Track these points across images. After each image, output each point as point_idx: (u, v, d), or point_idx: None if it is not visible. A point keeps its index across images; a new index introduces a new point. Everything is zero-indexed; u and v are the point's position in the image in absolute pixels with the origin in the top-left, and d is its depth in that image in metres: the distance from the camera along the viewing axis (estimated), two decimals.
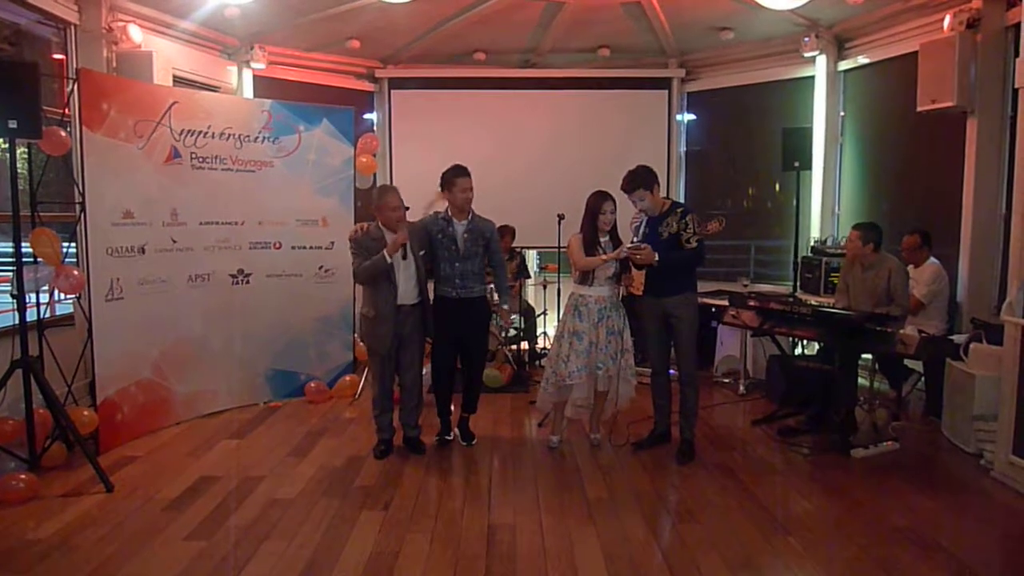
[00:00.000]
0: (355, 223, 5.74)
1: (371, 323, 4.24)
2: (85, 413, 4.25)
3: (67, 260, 4.29)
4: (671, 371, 4.41)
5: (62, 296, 4.65)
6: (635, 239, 4.14)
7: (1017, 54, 3.99)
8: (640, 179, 4.11)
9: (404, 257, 4.19)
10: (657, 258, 4.03)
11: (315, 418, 5.11)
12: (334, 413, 5.24)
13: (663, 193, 7.05)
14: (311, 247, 5.47)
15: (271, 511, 3.55)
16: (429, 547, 3.20)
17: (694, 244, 4.11)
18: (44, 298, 4.38)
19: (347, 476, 4.02)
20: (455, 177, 4.29)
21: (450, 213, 4.35)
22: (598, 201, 4.21)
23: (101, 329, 4.32)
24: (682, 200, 7.39)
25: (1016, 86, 3.90)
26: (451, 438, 4.55)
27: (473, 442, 4.53)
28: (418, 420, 4.48)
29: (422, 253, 4.31)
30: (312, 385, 5.54)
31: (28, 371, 3.89)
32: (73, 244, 4.47)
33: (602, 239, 4.25)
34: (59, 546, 3.20)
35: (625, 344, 4.31)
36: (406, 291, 4.25)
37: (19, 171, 4.29)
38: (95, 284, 4.32)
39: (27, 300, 3.95)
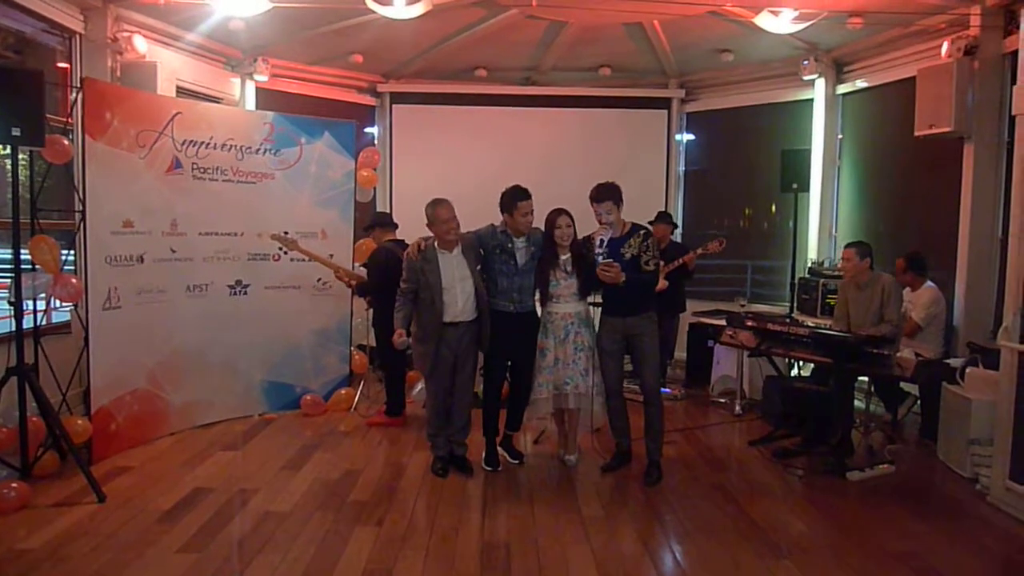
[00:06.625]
0: (354, 237, 5.80)
1: (416, 342, 4.15)
2: (79, 422, 4.23)
3: (65, 268, 4.29)
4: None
5: (59, 304, 4.64)
6: (599, 251, 4.07)
7: (1014, 81, 4.03)
8: (611, 191, 4.11)
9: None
10: (624, 278, 4.00)
11: (310, 431, 5.09)
12: (329, 426, 5.21)
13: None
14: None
15: (265, 524, 3.53)
16: (423, 564, 3.17)
17: (652, 267, 4.14)
18: (41, 305, 4.37)
19: (341, 490, 3.99)
20: (517, 200, 4.12)
21: (508, 229, 4.23)
22: (552, 217, 4.20)
23: (97, 338, 4.31)
24: (680, 220, 7.42)
25: (1013, 113, 3.93)
26: (500, 467, 4.36)
27: (524, 460, 4.46)
28: (466, 439, 4.36)
29: (479, 268, 4.21)
30: (308, 398, 5.52)
31: (23, 379, 3.88)
32: (72, 252, 4.47)
33: (562, 256, 4.21)
34: (50, 556, 3.17)
35: (595, 361, 4.25)
36: (463, 308, 4.14)
37: (20, 178, 4.29)
38: (93, 293, 4.31)
39: (24, 307, 3.94)
